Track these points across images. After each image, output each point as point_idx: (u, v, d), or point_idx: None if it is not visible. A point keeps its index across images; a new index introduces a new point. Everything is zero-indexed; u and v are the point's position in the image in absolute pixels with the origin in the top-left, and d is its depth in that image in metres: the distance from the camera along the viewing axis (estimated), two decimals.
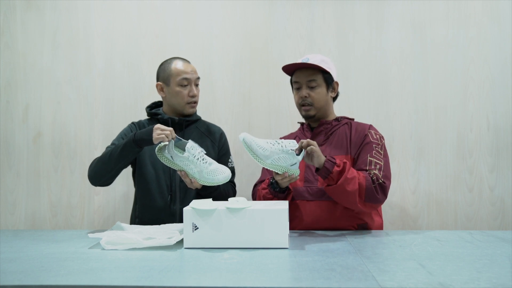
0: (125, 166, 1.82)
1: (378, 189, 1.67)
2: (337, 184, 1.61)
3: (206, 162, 1.63)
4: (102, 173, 1.80)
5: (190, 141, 1.62)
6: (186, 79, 1.91)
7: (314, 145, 1.61)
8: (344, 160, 1.65)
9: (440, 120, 2.36)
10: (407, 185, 2.37)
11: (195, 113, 2.05)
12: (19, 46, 2.47)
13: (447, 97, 2.36)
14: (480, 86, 2.35)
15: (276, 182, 1.68)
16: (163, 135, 1.62)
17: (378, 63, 2.39)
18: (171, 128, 1.65)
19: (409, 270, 1.17)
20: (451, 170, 2.35)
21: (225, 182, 1.65)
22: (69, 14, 2.46)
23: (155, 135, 1.64)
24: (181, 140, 1.63)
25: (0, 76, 2.47)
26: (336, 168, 1.61)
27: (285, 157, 1.56)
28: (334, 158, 1.64)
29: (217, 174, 1.64)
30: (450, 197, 2.35)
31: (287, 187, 1.72)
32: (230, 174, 1.67)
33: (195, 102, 1.96)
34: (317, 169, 1.65)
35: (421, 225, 2.36)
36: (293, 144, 1.58)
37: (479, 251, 1.38)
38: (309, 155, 1.60)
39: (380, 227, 1.84)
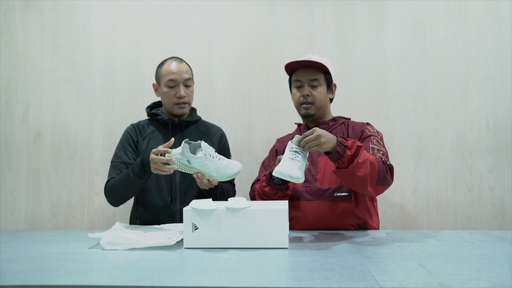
0: (142, 186, 1.84)
1: (388, 171, 1.66)
2: (347, 169, 1.56)
3: (219, 159, 1.65)
4: (122, 197, 1.87)
5: (202, 141, 1.62)
6: (172, 80, 1.89)
7: (322, 140, 1.53)
8: (358, 143, 1.58)
9: (440, 120, 2.36)
10: (407, 185, 2.37)
11: (195, 113, 2.05)
12: (19, 46, 2.47)
13: (447, 97, 2.36)
14: (480, 86, 2.35)
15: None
16: (160, 171, 1.63)
17: (378, 63, 2.39)
18: (167, 157, 1.62)
19: (409, 270, 1.17)
20: (451, 170, 2.35)
21: (239, 173, 1.66)
22: (69, 14, 2.46)
23: (152, 169, 1.65)
24: (191, 142, 1.63)
25: (0, 76, 2.47)
26: (347, 152, 1.55)
27: (305, 156, 1.57)
28: (346, 141, 1.57)
29: (232, 167, 1.65)
30: (450, 197, 2.35)
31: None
32: (241, 165, 1.67)
33: (184, 103, 1.92)
34: (327, 152, 1.58)
35: (421, 225, 2.36)
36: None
37: (479, 251, 1.38)
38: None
39: (378, 225, 1.85)
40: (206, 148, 1.62)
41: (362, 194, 1.75)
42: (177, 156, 1.62)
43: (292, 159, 1.54)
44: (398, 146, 2.37)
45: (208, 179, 1.64)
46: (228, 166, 1.64)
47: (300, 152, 1.55)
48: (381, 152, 1.73)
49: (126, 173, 1.78)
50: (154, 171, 1.65)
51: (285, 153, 1.58)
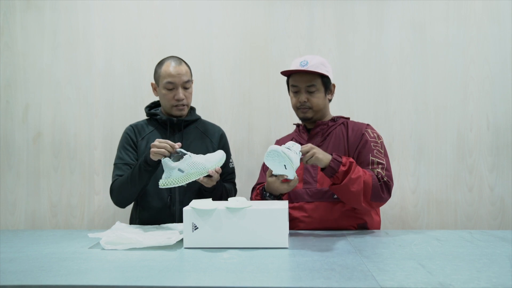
0: (148, 183, 1.82)
1: (384, 188, 1.67)
2: (341, 184, 1.60)
3: (199, 155, 1.67)
4: (128, 196, 1.84)
5: (177, 149, 1.63)
6: (170, 83, 1.87)
7: (316, 151, 1.60)
8: (351, 160, 1.64)
9: (440, 120, 2.36)
10: (407, 184, 2.37)
11: (194, 112, 2.04)
12: (19, 46, 2.47)
13: (447, 97, 2.36)
14: (480, 85, 2.35)
15: (269, 194, 1.70)
16: (159, 153, 1.63)
17: (378, 63, 2.39)
18: (165, 145, 1.63)
19: (409, 269, 1.17)
20: (451, 169, 2.35)
21: (224, 157, 1.69)
22: (69, 14, 2.46)
23: (151, 152, 1.65)
24: (177, 153, 1.64)
25: (0, 76, 2.47)
26: (342, 168, 1.60)
27: (297, 158, 1.56)
28: (340, 157, 1.62)
29: (214, 155, 1.68)
30: (450, 196, 2.35)
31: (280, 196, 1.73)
32: (223, 152, 1.71)
33: (183, 105, 1.91)
34: (322, 168, 1.63)
35: (421, 224, 2.36)
36: (297, 147, 1.58)
37: (479, 250, 1.38)
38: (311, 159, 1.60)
39: (378, 225, 1.85)
40: (182, 151, 1.63)
41: None
42: (168, 180, 1.61)
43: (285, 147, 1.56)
44: (398, 146, 2.37)
45: (210, 175, 1.65)
46: (212, 154, 1.68)
47: (292, 150, 1.55)
48: (380, 165, 1.72)
49: (131, 171, 1.78)
50: (153, 154, 1.64)
51: None
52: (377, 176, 1.67)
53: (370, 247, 1.45)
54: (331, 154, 1.63)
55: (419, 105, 2.37)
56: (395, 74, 2.39)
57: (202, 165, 1.63)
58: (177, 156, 1.64)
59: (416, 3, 2.38)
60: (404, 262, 1.24)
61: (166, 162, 1.60)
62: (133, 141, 1.94)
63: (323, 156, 1.60)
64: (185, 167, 1.61)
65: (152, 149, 1.65)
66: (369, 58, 2.39)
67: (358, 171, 1.62)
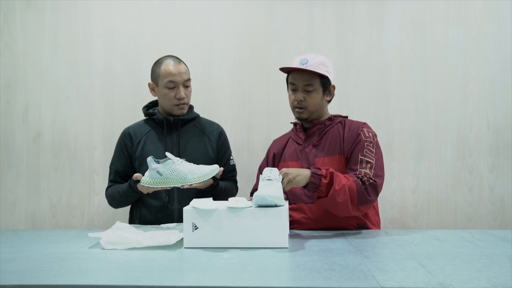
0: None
1: (369, 190, 1.64)
2: (327, 197, 1.58)
3: (190, 164, 1.66)
4: (120, 206, 1.98)
5: (166, 152, 1.65)
6: (172, 81, 1.86)
7: (290, 177, 1.54)
8: (331, 170, 1.60)
9: (440, 120, 2.36)
10: (407, 184, 2.37)
11: (192, 111, 2.02)
12: (19, 46, 2.47)
13: (447, 97, 2.36)
14: (480, 85, 2.35)
15: None
16: (149, 189, 1.69)
17: (378, 63, 2.39)
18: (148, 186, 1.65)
19: (409, 269, 1.17)
20: (451, 169, 2.35)
21: (215, 171, 1.66)
22: (69, 14, 2.46)
23: (144, 192, 1.72)
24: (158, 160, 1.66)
25: (0, 76, 2.47)
26: (323, 181, 1.57)
27: (281, 187, 1.51)
28: (319, 169, 1.59)
29: (205, 167, 1.66)
30: (450, 196, 2.35)
31: None
32: (217, 166, 1.68)
33: (184, 104, 1.91)
34: (304, 186, 1.59)
35: (421, 224, 2.36)
36: (276, 172, 1.55)
37: (479, 250, 1.38)
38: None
39: (378, 225, 1.85)
40: (171, 156, 1.63)
41: None
42: (147, 178, 1.63)
43: (267, 185, 1.48)
44: (398, 145, 2.37)
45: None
46: (201, 167, 1.66)
47: (273, 179, 1.50)
48: (369, 164, 1.71)
49: (121, 191, 1.84)
50: (149, 192, 1.73)
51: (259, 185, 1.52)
52: (361, 179, 1.64)
53: (370, 247, 1.45)
54: (309, 168, 1.60)
55: (419, 105, 2.37)
56: (395, 74, 2.39)
57: (183, 174, 1.62)
58: (166, 159, 1.64)
59: (416, 3, 2.38)
60: (404, 262, 1.24)
61: (149, 161, 1.62)
62: (127, 149, 1.96)
63: (300, 178, 1.55)
64: (164, 171, 1.62)
65: (146, 191, 1.71)
66: (369, 58, 2.39)
67: (340, 180, 1.59)
